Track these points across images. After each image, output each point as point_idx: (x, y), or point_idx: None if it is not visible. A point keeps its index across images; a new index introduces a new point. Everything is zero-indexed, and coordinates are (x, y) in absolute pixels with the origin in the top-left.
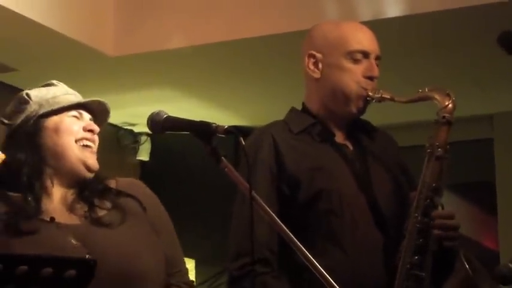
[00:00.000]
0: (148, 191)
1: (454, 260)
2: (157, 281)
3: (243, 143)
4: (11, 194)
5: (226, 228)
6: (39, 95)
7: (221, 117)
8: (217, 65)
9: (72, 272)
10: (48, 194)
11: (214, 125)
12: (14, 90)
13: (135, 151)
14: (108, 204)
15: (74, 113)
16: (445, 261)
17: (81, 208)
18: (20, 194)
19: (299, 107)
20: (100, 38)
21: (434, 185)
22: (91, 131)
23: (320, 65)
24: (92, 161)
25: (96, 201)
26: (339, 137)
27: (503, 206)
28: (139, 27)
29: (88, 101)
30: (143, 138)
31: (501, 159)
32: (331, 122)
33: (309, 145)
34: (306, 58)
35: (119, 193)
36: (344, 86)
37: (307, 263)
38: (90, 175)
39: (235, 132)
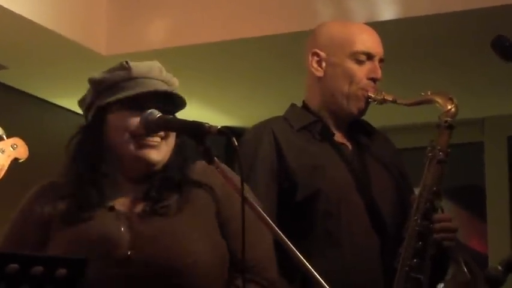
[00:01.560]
0: (224, 179)
1: (448, 263)
2: (214, 274)
3: (236, 143)
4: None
5: None
6: (109, 80)
7: (212, 117)
8: (209, 66)
9: (62, 271)
10: (118, 184)
11: (207, 125)
12: (4, 88)
13: None
14: (175, 196)
15: (130, 104)
16: (441, 265)
17: (148, 201)
18: (92, 175)
19: (294, 104)
20: (93, 37)
21: (435, 188)
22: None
23: (323, 64)
24: (151, 156)
25: (164, 195)
26: (338, 137)
27: (493, 209)
28: (132, 26)
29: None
30: None
31: (491, 163)
32: (331, 121)
33: (309, 142)
34: (310, 56)
35: (192, 183)
36: (346, 87)
37: (300, 266)
38: (154, 168)
39: (228, 133)
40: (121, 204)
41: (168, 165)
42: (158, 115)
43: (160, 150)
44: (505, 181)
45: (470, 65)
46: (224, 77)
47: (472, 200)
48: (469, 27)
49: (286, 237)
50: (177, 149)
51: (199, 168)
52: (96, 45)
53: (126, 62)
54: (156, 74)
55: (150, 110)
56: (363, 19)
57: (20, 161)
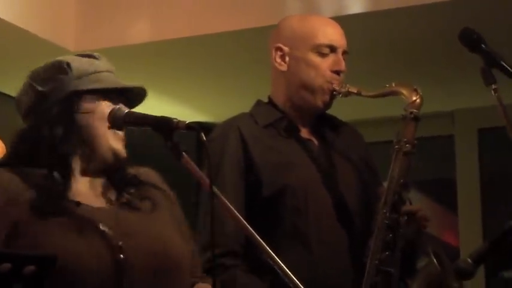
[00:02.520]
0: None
1: (418, 255)
2: (188, 272)
3: (204, 138)
4: (31, 170)
5: (190, 223)
6: (80, 68)
7: (183, 112)
8: (179, 61)
9: (31, 268)
10: (75, 177)
11: (175, 120)
12: None
13: None
14: (137, 193)
15: (111, 96)
16: (410, 257)
17: (110, 195)
18: (43, 171)
19: (259, 101)
20: (61, 33)
21: (402, 180)
22: None
23: (287, 58)
24: (120, 147)
25: (126, 189)
26: (304, 132)
27: (464, 202)
28: (101, 22)
29: (132, 87)
30: None
31: (462, 156)
32: (297, 117)
33: (275, 139)
34: (273, 51)
35: (145, 183)
36: (310, 80)
37: (269, 261)
38: (118, 164)
39: (197, 128)
40: (84, 197)
41: (124, 163)
42: (126, 111)
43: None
44: (476, 174)
45: (438, 58)
46: (194, 72)
47: (444, 193)
48: (437, 20)
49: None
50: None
51: (143, 172)
52: (64, 41)
53: (96, 54)
54: (109, 67)
55: (118, 105)
56: (331, 13)
57: None
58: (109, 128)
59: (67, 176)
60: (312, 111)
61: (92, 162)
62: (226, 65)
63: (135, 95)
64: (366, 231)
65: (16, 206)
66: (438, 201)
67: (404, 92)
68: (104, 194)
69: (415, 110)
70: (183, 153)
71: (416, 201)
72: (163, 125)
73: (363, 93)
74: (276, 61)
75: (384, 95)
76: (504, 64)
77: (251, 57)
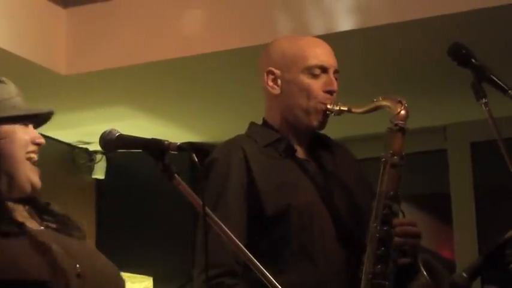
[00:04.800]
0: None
1: (416, 267)
2: None
3: (195, 159)
4: None
5: (185, 246)
6: None
7: (176, 133)
8: (169, 82)
9: None
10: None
11: (166, 142)
12: None
13: (91, 169)
14: (54, 221)
15: (24, 120)
16: (408, 269)
17: (36, 220)
18: None
19: (254, 123)
20: (52, 57)
21: (391, 193)
22: (38, 144)
23: (279, 82)
24: (37, 179)
25: (45, 217)
26: (300, 153)
27: (458, 216)
28: (91, 45)
29: (45, 112)
30: (98, 156)
31: (455, 170)
32: (293, 137)
33: (275, 159)
34: (265, 75)
35: (62, 214)
36: (304, 102)
37: (265, 281)
38: (33, 193)
39: (188, 148)
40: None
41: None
42: (117, 134)
43: None
44: (470, 187)
45: (430, 73)
46: (186, 93)
47: (438, 207)
48: (427, 35)
49: (257, 256)
50: None
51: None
52: (56, 65)
53: (3, 79)
54: (17, 91)
55: (109, 129)
56: (322, 31)
57: None
58: (26, 152)
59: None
60: (307, 132)
61: (13, 191)
62: (216, 85)
63: (44, 116)
64: (364, 248)
65: None
66: (433, 216)
67: (389, 104)
68: (33, 218)
69: (400, 122)
70: (175, 174)
71: (410, 216)
72: (154, 147)
73: (353, 110)
74: (268, 85)
75: (371, 110)
76: (494, 78)
77: (242, 77)
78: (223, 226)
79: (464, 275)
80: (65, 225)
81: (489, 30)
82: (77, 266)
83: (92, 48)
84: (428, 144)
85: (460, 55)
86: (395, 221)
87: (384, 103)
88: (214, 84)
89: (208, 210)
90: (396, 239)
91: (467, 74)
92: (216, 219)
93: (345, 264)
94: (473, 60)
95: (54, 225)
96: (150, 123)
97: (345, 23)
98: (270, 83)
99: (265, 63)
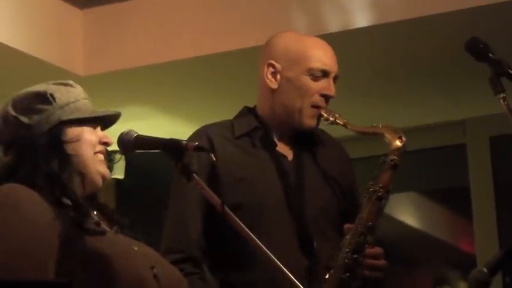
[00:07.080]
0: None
1: None
2: None
3: (214, 158)
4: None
5: None
6: (62, 98)
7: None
8: (187, 81)
9: None
10: None
11: (184, 142)
12: None
13: (110, 169)
14: (120, 224)
15: (91, 122)
16: None
17: (105, 222)
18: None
19: (246, 107)
20: (70, 58)
21: (370, 223)
22: (106, 143)
23: (278, 77)
24: (107, 170)
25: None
26: (281, 147)
27: (478, 210)
28: (109, 46)
29: (111, 114)
30: (117, 156)
31: (474, 164)
32: (277, 130)
33: (244, 152)
34: (265, 67)
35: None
36: (298, 101)
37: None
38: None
39: (206, 148)
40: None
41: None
42: (135, 135)
43: None
44: (490, 181)
45: (448, 67)
46: (202, 92)
47: (458, 201)
48: (445, 30)
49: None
50: None
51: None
52: (73, 66)
53: (71, 82)
54: (85, 94)
55: (126, 130)
56: (338, 28)
57: None
58: (94, 153)
59: (76, 202)
60: (296, 129)
61: (85, 188)
62: (233, 84)
63: (111, 119)
64: (326, 255)
65: (62, 222)
66: (453, 210)
67: (388, 136)
68: (102, 220)
69: (396, 158)
70: (194, 174)
71: (430, 210)
72: (172, 147)
73: (349, 126)
74: (267, 77)
75: (367, 134)
76: None
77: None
78: (241, 223)
79: (485, 270)
80: (128, 229)
81: (506, 24)
82: (154, 267)
83: (109, 49)
84: (447, 139)
85: (478, 50)
86: (368, 251)
87: (383, 132)
88: (229, 84)
89: (227, 209)
90: (365, 271)
91: (485, 67)
92: (234, 217)
93: (301, 271)
94: (491, 55)
95: (121, 229)
96: (168, 122)
97: (361, 20)
98: (269, 76)
99: (267, 55)
